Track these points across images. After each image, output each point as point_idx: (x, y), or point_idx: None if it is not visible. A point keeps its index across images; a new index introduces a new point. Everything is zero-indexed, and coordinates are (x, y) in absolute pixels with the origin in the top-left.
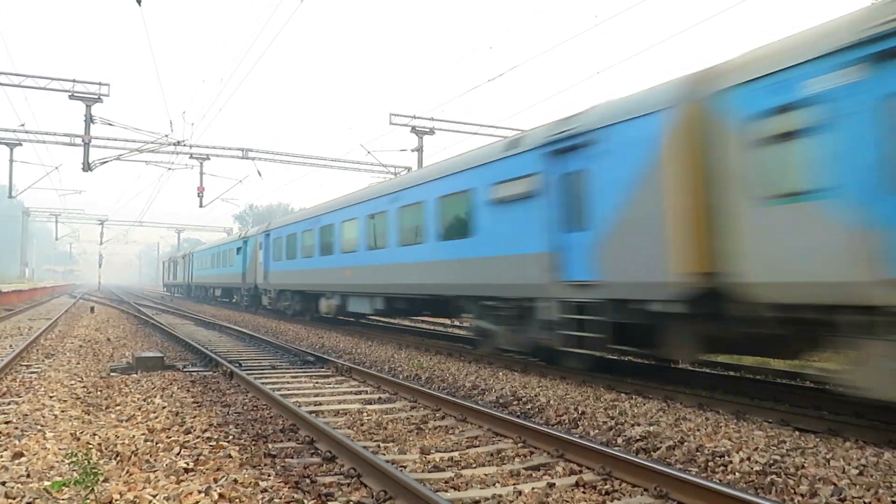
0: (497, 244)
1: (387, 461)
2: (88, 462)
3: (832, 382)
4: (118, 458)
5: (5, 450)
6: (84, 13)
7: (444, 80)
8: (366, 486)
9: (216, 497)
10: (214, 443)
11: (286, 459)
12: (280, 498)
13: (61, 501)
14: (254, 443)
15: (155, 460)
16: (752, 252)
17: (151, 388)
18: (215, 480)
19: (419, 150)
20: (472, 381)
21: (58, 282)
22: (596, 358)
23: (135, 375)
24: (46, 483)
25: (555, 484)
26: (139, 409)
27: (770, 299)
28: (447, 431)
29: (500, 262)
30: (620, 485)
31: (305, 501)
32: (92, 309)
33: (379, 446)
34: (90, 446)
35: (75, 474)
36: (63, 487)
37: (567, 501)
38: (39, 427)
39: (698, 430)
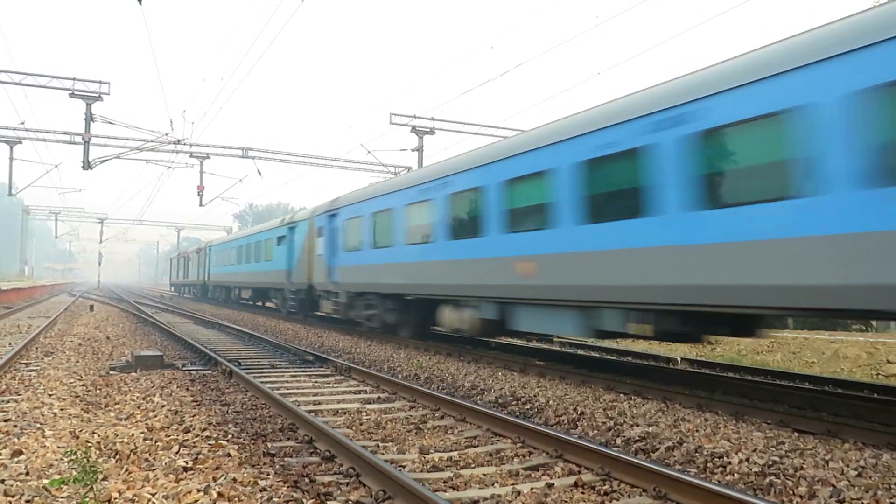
0: None
1: (386, 461)
2: (87, 460)
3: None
4: (117, 457)
5: (4, 447)
6: (85, 11)
7: (444, 79)
8: (365, 485)
9: (215, 496)
10: (213, 441)
11: (285, 458)
12: (279, 497)
13: (60, 499)
14: (253, 442)
15: (154, 459)
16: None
17: (151, 387)
18: (214, 479)
19: (419, 149)
20: (471, 380)
21: (57, 280)
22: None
23: (134, 374)
24: (45, 481)
25: (553, 484)
26: (138, 407)
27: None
28: (446, 431)
29: None
30: (619, 485)
31: (304, 500)
32: (91, 307)
33: (378, 446)
34: (89, 444)
35: (74, 472)
36: (62, 485)
37: (566, 502)
38: (39, 425)
39: (697, 430)
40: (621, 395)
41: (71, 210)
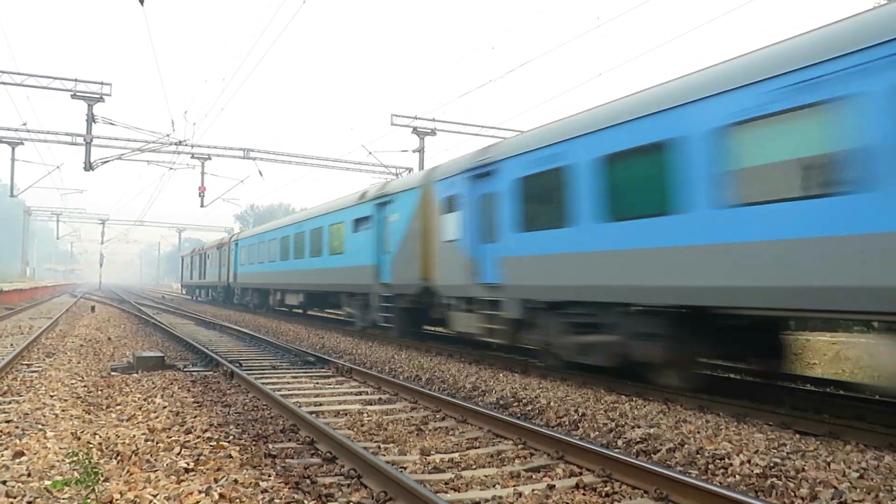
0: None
1: (387, 462)
2: (89, 461)
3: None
4: (119, 458)
5: (6, 449)
6: (86, 13)
7: (445, 80)
8: (366, 486)
9: (216, 497)
10: (215, 443)
11: (286, 460)
12: (280, 498)
13: (62, 501)
14: (254, 443)
15: (155, 460)
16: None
17: (152, 388)
18: (216, 480)
19: (420, 150)
20: (472, 382)
21: (59, 281)
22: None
23: (135, 375)
24: (47, 482)
25: (555, 486)
26: (140, 408)
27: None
28: (447, 433)
29: None
30: (620, 487)
31: (306, 502)
32: (93, 308)
33: (379, 447)
34: (91, 446)
35: (76, 473)
36: (63, 486)
37: (567, 503)
38: (40, 426)
39: (699, 432)
40: (623, 396)
41: (72, 211)
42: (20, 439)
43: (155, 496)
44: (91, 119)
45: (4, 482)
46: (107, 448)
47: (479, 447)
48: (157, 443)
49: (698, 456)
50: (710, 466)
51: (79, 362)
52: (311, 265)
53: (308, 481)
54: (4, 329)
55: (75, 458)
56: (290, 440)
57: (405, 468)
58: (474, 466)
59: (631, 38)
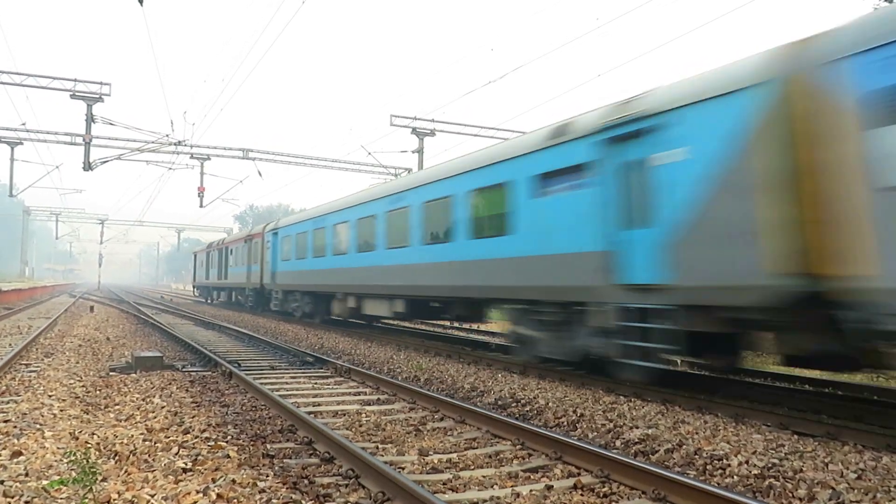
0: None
1: (385, 462)
2: (87, 461)
3: None
4: (117, 458)
5: (4, 448)
6: (86, 13)
7: (444, 81)
8: (364, 487)
9: (214, 497)
10: (213, 443)
11: (284, 460)
12: (278, 498)
13: (59, 500)
14: (252, 443)
15: (153, 460)
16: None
17: (150, 388)
18: (213, 480)
19: (420, 151)
20: (470, 382)
21: (58, 281)
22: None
23: (134, 375)
24: (45, 482)
25: (553, 486)
26: (138, 408)
27: None
28: (446, 433)
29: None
30: (618, 487)
31: (303, 502)
32: (91, 308)
33: (377, 447)
34: (89, 445)
35: (74, 473)
36: (61, 486)
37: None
38: (38, 426)
39: (697, 433)
40: (621, 397)
41: (71, 211)
42: (18, 439)
43: (153, 496)
44: (90, 119)
45: (2, 482)
46: (105, 448)
47: (477, 447)
48: (155, 443)
49: (696, 456)
50: (709, 467)
51: (77, 362)
52: (426, 257)
53: (306, 481)
54: (3, 329)
55: (73, 458)
56: (288, 440)
57: (403, 468)
58: (472, 467)
59: (631, 39)
